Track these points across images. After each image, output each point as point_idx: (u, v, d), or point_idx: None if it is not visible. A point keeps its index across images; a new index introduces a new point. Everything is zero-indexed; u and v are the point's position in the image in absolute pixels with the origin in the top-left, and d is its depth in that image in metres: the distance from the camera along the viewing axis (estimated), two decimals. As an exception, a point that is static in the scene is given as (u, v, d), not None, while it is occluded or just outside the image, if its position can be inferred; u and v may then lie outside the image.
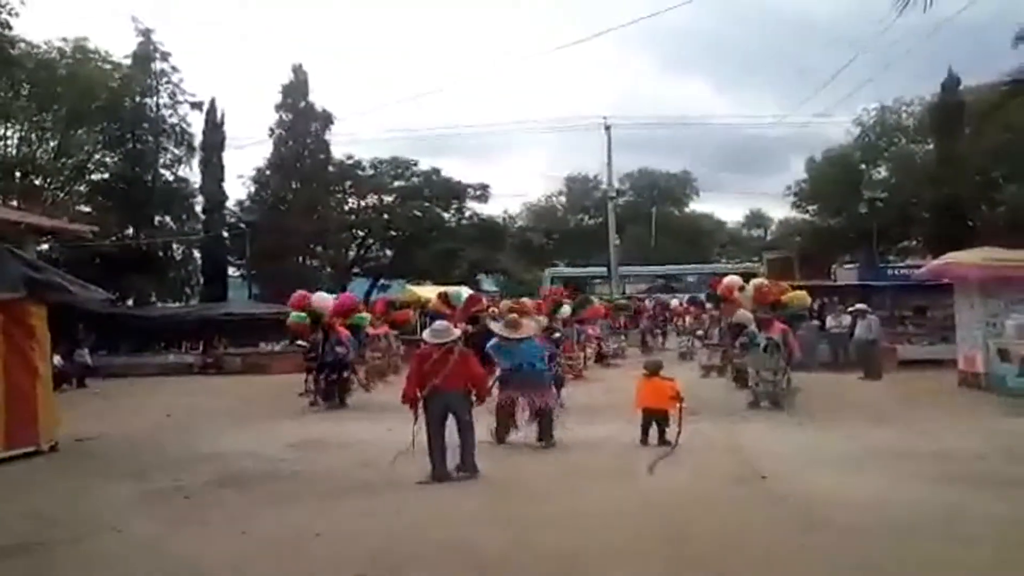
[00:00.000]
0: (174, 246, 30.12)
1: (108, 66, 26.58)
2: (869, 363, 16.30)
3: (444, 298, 18.84)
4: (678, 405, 9.03)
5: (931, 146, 30.65)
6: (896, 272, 25.03)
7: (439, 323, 8.67)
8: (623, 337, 24.50)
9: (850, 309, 17.69)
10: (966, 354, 14.41)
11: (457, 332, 8.40)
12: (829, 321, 18.50)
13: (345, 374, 13.76)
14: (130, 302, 26.84)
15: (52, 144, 25.89)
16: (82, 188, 28.09)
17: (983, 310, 13.89)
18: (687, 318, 22.13)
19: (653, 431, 9.24)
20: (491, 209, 37.99)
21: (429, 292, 24.51)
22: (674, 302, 27.02)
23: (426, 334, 8.42)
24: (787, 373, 12.13)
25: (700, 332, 18.68)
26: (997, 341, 13.38)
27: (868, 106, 33.22)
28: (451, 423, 7.81)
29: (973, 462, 7.95)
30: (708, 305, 18.30)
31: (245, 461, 8.78)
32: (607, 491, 7.13)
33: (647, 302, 30.43)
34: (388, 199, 34.44)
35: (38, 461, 9.07)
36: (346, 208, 34.82)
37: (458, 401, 7.81)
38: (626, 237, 44.59)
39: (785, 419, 11.05)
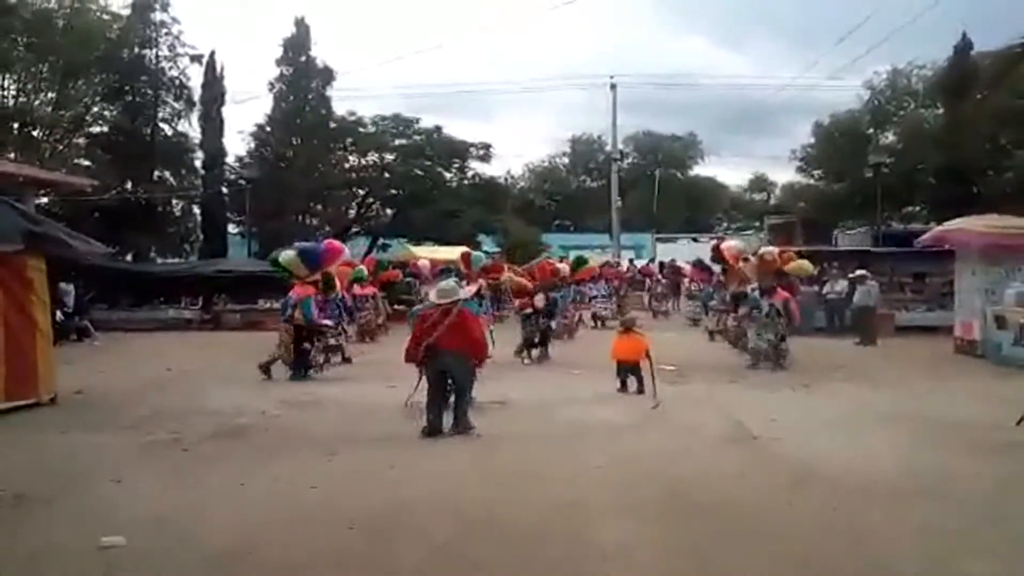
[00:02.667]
0: (174, 201, 29.98)
1: (107, 16, 26.17)
2: (865, 329, 16.35)
3: (467, 258, 19.95)
4: (648, 360, 9.90)
5: (941, 111, 30.28)
6: (903, 230, 24.97)
7: (445, 283, 8.72)
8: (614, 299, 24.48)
9: (850, 275, 17.68)
10: (963, 321, 14.45)
11: (463, 293, 8.46)
12: (827, 287, 18.50)
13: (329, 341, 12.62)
14: (129, 257, 26.82)
15: (50, 95, 25.59)
16: (80, 141, 27.82)
17: (983, 277, 13.89)
18: (696, 282, 21.66)
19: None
20: (493, 169, 37.71)
21: (429, 252, 24.58)
22: (686, 266, 26.71)
23: (432, 294, 8.51)
24: (786, 338, 12.67)
25: (714, 301, 18.38)
26: (995, 308, 13.39)
27: (879, 69, 32.78)
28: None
29: (964, 427, 8.02)
30: (716, 269, 18.10)
31: (243, 415, 8.87)
32: (599, 448, 7.22)
33: (654, 266, 30.31)
34: (389, 157, 34.08)
35: (38, 413, 9.14)
36: (346, 166, 34.46)
37: (453, 362, 7.90)
38: (628, 200, 44.34)
39: (779, 383, 11.13)
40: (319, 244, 13.10)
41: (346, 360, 13.20)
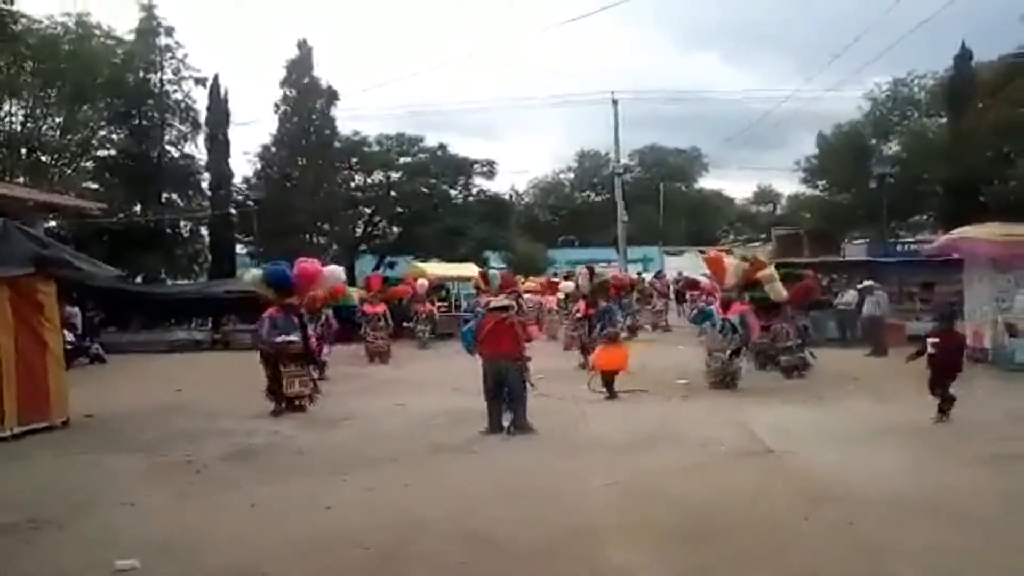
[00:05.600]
0: (181, 223, 30.12)
1: (111, 42, 26.48)
2: (876, 339, 16.26)
3: (484, 277, 21.31)
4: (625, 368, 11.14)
5: (943, 121, 30.32)
6: (906, 248, 24.87)
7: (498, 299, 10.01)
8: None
9: (859, 286, 17.61)
10: (974, 329, 14.35)
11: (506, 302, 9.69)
12: (836, 298, 18.40)
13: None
14: (139, 279, 26.93)
15: (57, 120, 25.85)
16: (88, 165, 28.07)
17: (992, 286, 13.83)
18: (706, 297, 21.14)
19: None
20: (498, 186, 37.84)
21: (435, 269, 24.72)
22: (704, 281, 26.27)
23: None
24: (741, 355, 11.94)
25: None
26: (1006, 316, 13.34)
27: (880, 80, 32.89)
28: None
29: (979, 438, 7.95)
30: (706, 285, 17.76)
31: (255, 436, 8.86)
32: (612, 464, 7.19)
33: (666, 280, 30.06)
34: (394, 176, 34.27)
35: (50, 436, 9.14)
36: (352, 185, 34.64)
37: (508, 367, 8.71)
38: (634, 214, 44.38)
39: (792, 395, 11.05)
40: (286, 267, 11.47)
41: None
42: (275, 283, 11.23)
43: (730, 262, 13.77)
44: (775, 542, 5.09)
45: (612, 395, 11.06)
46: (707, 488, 6.35)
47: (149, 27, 28.07)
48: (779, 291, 12.99)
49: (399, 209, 34.14)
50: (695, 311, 16.28)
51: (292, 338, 10.60)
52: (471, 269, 24.81)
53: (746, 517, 5.59)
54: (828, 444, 7.88)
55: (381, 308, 17.43)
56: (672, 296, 26.46)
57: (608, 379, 11.13)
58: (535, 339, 10.37)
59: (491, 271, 22.25)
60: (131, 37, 27.41)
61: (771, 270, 13.34)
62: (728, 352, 11.68)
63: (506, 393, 8.71)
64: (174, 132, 29.44)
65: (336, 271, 13.21)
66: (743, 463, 7.22)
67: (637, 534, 5.33)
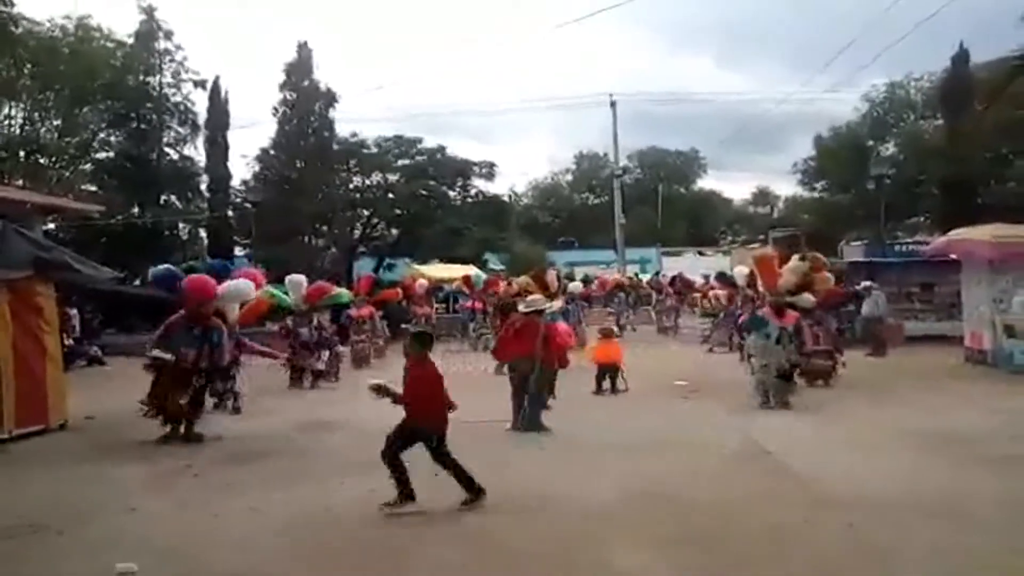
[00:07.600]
0: (180, 226, 30.13)
1: (111, 44, 26.50)
2: (875, 340, 16.28)
3: (467, 280, 21.29)
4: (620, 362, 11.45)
5: (940, 122, 30.38)
6: (904, 249, 24.91)
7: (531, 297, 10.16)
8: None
9: (856, 287, 17.62)
10: (973, 331, 14.39)
11: (547, 307, 9.98)
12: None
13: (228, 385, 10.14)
14: (137, 281, 26.90)
15: (56, 123, 25.86)
16: (87, 167, 28.10)
17: (990, 287, 13.85)
18: (715, 298, 19.91)
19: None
20: (497, 188, 37.81)
21: (434, 271, 24.74)
22: (699, 280, 25.88)
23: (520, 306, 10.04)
24: (797, 367, 10.87)
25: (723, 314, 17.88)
26: (1004, 317, 13.36)
27: (877, 82, 32.99)
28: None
29: (979, 440, 7.95)
30: (740, 283, 17.20)
31: (253, 440, 8.84)
32: (615, 468, 7.17)
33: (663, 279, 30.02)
34: (393, 178, 34.24)
35: (49, 440, 9.14)
36: (351, 187, 34.61)
37: (529, 369, 8.88)
38: (633, 215, 44.39)
39: (792, 398, 11.01)
40: (176, 272, 10.03)
41: (235, 410, 10.46)
42: (160, 287, 9.86)
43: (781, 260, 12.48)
44: (777, 545, 5.09)
45: (613, 390, 11.37)
46: (708, 491, 6.35)
47: (149, 30, 28.10)
48: (806, 298, 11.83)
49: (397, 211, 34.12)
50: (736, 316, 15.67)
51: (166, 356, 9.10)
52: (470, 271, 24.84)
53: (748, 520, 5.59)
54: (827, 447, 7.89)
55: (367, 311, 16.75)
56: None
57: (603, 374, 11.49)
58: (567, 346, 10.20)
59: (474, 273, 22.34)
60: (131, 40, 27.44)
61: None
62: (788, 365, 10.39)
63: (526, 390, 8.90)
64: (173, 134, 29.49)
65: (238, 286, 9.96)
66: (744, 466, 7.22)
67: (640, 539, 5.32)
